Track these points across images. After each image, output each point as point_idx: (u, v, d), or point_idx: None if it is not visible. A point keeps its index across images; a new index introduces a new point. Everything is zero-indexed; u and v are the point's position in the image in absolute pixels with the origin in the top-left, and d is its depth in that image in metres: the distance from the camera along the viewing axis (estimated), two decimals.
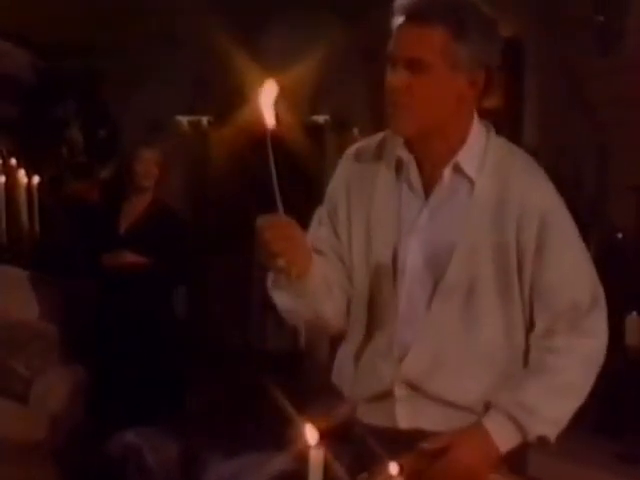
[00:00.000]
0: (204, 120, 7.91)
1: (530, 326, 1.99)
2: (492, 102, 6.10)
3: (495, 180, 1.98)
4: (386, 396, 2.02)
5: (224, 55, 7.26)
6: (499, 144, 2.05)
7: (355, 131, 6.71)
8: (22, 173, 5.82)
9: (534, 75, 5.83)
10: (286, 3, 6.93)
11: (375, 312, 2.04)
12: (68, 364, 5.01)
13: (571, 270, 1.99)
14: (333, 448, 1.45)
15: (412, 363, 1.99)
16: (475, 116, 2.05)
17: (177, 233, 4.92)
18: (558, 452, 3.64)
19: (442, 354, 1.97)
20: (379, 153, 2.09)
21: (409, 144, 2.02)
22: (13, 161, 6.63)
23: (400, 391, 2.00)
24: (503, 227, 1.95)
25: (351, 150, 2.15)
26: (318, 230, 2.10)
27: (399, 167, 2.04)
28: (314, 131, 7.28)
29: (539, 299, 1.97)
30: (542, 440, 1.96)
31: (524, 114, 5.88)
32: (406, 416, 2.01)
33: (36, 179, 5.72)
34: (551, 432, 1.96)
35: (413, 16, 1.90)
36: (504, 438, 1.93)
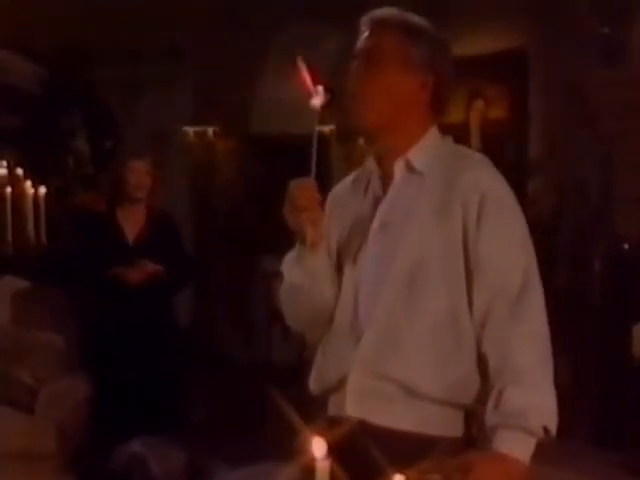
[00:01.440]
0: (210, 130, 7.93)
1: (470, 308, 2.08)
2: (497, 113, 6.12)
3: (444, 173, 2.14)
4: (344, 382, 2.13)
5: (230, 66, 7.29)
6: (453, 147, 2.23)
7: (361, 141, 6.72)
8: (28, 184, 5.82)
9: (539, 86, 5.84)
10: (292, 14, 6.95)
11: (341, 302, 2.21)
12: (74, 374, 5.01)
13: (504, 243, 2.08)
14: (338, 459, 1.45)
15: (366, 343, 2.11)
16: (434, 125, 2.22)
17: (180, 239, 4.95)
18: (560, 462, 3.66)
19: (392, 334, 2.10)
20: (356, 176, 2.31)
21: (376, 155, 2.23)
22: (19, 172, 6.64)
23: (354, 375, 2.11)
24: (450, 211, 2.09)
25: (334, 187, 2.38)
26: None
27: (369, 180, 2.25)
28: (320, 141, 7.28)
29: (476, 272, 2.07)
30: (546, 433, 1.98)
31: (529, 125, 5.89)
32: (355, 403, 2.12)
33: (42, 190, 5.73)
34: (550, 422, 1.99)
35: (374, 23, 2.18)
36: (522, 449, 1.98)
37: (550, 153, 5.62)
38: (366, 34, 2.18)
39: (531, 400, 1.97)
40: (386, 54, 2.14)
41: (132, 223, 4.87)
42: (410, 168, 2.17)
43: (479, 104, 6.15)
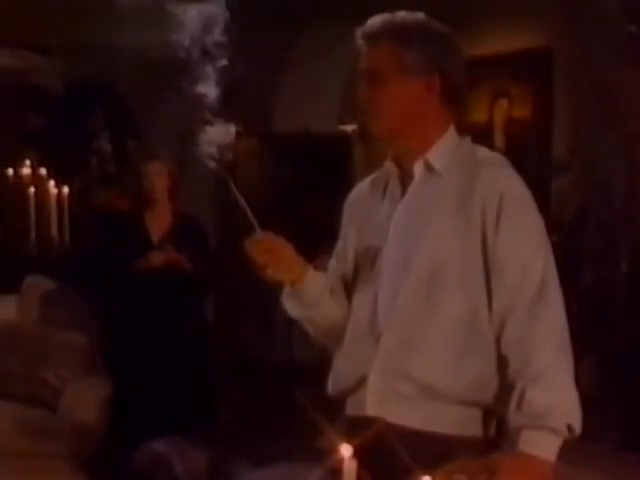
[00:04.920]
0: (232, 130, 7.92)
1: (490, 308, 2.08)
2: (522, 112, 6.09)
3: (462, 173, 2.14)
4: (363, 383, 2.16)
5: (252, 66, 7.29)
6: (472, 147, 2.22)
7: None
8: (52, 184, 5.85)
9: (564, 85, 5.80)
10: (314, 13, 6.95)
11: (359, 303, 2.24)
12: (98, 374, 5.02)
13: (523, 244, 2.07)
14: (365, 460, 1.44)
15: (386, 343, 2.13)
16: (451, 125, 2.22)
17: (206, 241, 4.96)
18: (587, 466, 3.63)
19: (411, 335, 2.11)
20: (374, 179, 2.33)
21: (395, 157, 2.25)
22: (43, 171, 6.68)
23: (374, 375, 2.14)
24: (469, 212, 2.09)
25: (352, 191, 2.40)
26: (331, 263, 2.37)
27: (387, 182, 2.26)
28: (342, 140, 7.28)
29: (494, 272, 2.07)
30: (570, 431, 1.97)
31: (554, 124, 5.86)
32: (374, 403, 2.14)
33: (66, 189, 5.75)
34: (574, 419, 1.98)
35: (367, 38, 2.18)
36: (548, 449, 1.98)
37: (574, 153, 5.59)
38: (363, 50, 2.19)
39: (554, 399, 1.96)
40: (383, 68, 2.15)
41: (158, 224, 4.87)
42: (429, 169, 2.18)
43: (503, 103, 6.12)
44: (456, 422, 2.10)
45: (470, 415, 2.11)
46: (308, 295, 2.25)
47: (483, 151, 2.22)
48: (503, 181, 2.11)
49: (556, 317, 2.04)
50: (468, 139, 2.23)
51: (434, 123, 2.19)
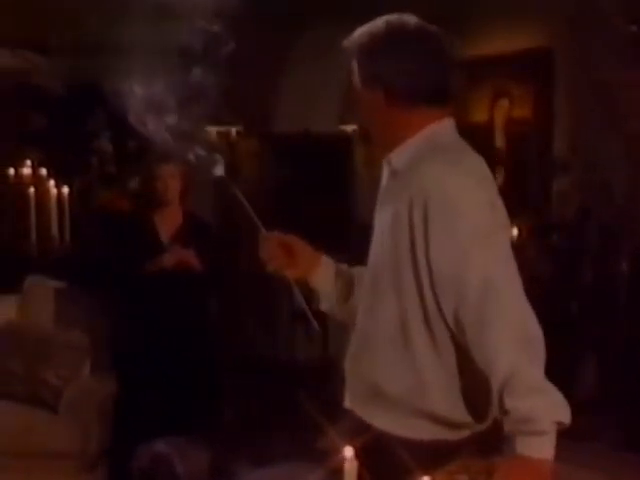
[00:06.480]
0: (233, 131, 7.92)
1: (439, 312, 2.05)
2: (522, 112, 6.09)
3: (410, 172, 2.10)
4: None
5: (252, 66, 7.29)
6: (442, 143, 2.15)
7: None
8: (52, 183, 5.85)
9: (565, 85, 5.81)
10: (316, 14, 6.95)
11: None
12: (99, 374, 5.03)
13: (454, 247, 1.99)
14: (365, 460, 1.45)
15: (351, 341, 2.24)
16: (429, 125, 2.15)
17: (212, 244, 4.96)
18: (587, 465, 3.63)
19: (363, 337, 2.20)
20: None
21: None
22: (43, 171, 6.67)
23: (346, 370, 2.24)
24: (399, 215, 2.07)
25: None
26: None
27: None
28: (342, 140, 7.28)
29: (435, 280, 2.04)
30: (560, 425, 1.95)
31: (554, 124, 5.86)
32: (347, 396, 2.24)
33: (66, 189, 5.74)
34: (559, 414, 1.95)
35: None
36: (542, 449, 1.96)
37: (575, 152, 5.59)
38: None
39: (532, 403, 1.93)
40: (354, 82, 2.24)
41: (168, 225, 4.88)
42: (392, 168, 2.18)
43: (504, 103, 6.12)
44: (404, 424, 2.11)
45: (420, 419, 2.11)
46: (320, 290, 2.37)
47: (445, 146, 2.14)
48: (431, 181, 2.03)
49: (511, 317, 1.95)
50: (449, 135, 2.18)
51: (404, 126, 2.16)
